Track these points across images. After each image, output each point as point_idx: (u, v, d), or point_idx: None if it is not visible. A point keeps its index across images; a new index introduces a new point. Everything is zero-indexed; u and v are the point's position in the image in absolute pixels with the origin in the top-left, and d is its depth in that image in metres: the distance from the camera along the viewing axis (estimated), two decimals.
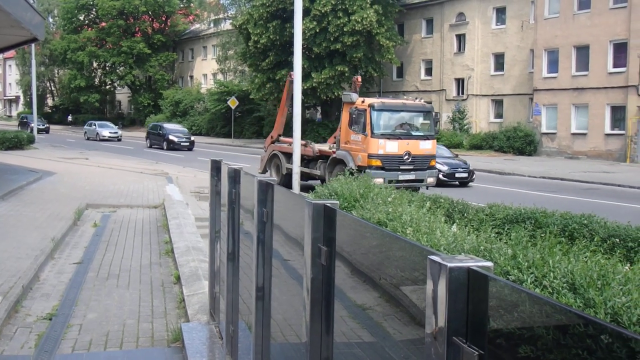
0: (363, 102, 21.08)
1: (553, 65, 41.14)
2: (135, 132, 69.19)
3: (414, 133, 21.68)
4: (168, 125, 49.71)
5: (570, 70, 40.00)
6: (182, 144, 45.60)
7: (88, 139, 57.88)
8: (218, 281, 6.39)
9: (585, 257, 5.58)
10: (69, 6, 76.71)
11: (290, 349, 3.79)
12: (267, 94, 51.85)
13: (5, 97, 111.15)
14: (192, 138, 48.13)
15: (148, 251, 11.21)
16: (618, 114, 38.22)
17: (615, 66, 38.05)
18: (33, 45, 41.54)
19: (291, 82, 24.92)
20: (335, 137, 23.73)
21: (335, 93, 48.63)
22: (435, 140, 22.63)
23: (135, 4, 71.22)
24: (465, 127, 44.10)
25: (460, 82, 48.05)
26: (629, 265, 5.67)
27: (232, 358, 5.46)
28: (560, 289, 4.92)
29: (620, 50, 37.67)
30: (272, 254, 4.06)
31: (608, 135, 38.61)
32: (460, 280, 1.57)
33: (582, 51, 39.50)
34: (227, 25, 64.96)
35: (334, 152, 22.01)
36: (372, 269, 2.62)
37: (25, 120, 67.19)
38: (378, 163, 20.30)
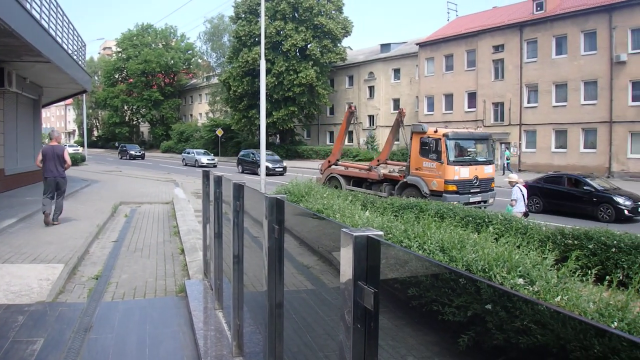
0: (436, 131, 16.43)
1: (430, 107, 41.67)
2: (154, 153, 67.60)
3: (479, 159, 16.93)
4: None
5: (442, 109, 40.63)
6: (276, 169, 32.10)
7: (186, 164, 42.34)
8: (209, 251, 6.32)
9: (450, 230, 5.69)
10: (108, 68, 75.55)
11: (256, 295, 3.76)
12: (242, 126, 51.71)
13: (65, 131, 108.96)
14: (285, 164, 34.34)
15: (162, 233, 11.00)
16: None
17: (469, 107, 38.85)
18: (84, 95, 40.32)
19: (350, 113, 21.16)
20: (378, 160, 19.88)
21: (288, 125, 48.66)
22: (494, 165, 17.56)
23: (153, 66, 69.80)
24: (375, 147, 44.22)
25: (371, 118, 48.16)
26: (477, 234, 5.80)
27: (219, 302, 5.39)
28: (434, 250, 5.01)
29: (472, 98, 38.53)
30: (243, 232, 4.03)
31: None
32: (362, 244, 1.59)
33: (449, 98, 40.18)
34: (215, 80, 64.33)
35: (402, 177, 17.37)
36: (312, 240, 2.63)
37: (124, 148, 56.73)
38: (454, 188, 15.76)
